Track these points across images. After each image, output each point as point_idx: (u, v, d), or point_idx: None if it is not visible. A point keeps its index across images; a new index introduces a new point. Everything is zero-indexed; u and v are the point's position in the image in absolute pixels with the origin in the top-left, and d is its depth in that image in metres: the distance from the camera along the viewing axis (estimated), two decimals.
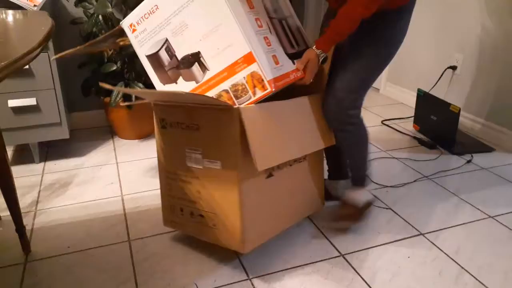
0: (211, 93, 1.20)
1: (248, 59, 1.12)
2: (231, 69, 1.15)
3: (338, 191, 1.64)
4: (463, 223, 1.58)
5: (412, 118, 2.54)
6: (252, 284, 1.26)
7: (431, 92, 2.46)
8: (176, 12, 1.15)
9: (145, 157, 2.11)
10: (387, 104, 2.96)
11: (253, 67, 1.13)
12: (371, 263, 1.36)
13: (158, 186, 1.42)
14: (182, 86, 1.22)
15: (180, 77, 1.21)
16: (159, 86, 1.26)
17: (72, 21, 2.17)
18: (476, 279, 1.30)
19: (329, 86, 1.36)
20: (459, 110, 2.14)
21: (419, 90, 2.46)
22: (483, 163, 2.08)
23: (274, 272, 1.31)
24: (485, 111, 2.37)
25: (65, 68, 2.29)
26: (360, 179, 1.53)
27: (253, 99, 1.16)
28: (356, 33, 1.25)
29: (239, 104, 1.18)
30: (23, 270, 1.32)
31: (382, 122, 2.62)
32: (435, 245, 1.46)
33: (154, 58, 1.22)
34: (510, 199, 1.75)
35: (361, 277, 1.30)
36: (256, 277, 1.29)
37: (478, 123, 2.41)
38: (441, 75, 2.59)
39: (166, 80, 1.24)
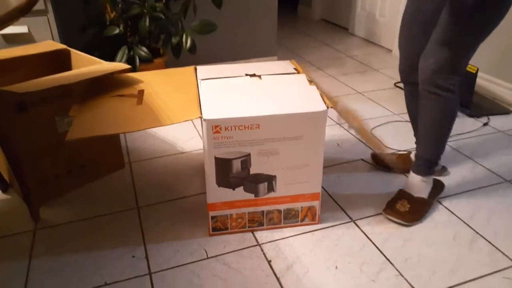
0: (266, 208, 1.28)
1: (314, 197, 1.29)
2: (295, 198, 1.28)
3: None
4: (479, 187, 1.54)
5: None
6: (262, 250, 1.25)
7: None
8: (276, 139, 1.17)
9: None
10: None
11: (315, 204, 1.31)
12: (383, 229, 1.34)
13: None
14: (238, 194, 1.24)
15: (240, 187, 1.23)
16: (212, 185, 1.21)
17: None
18: (492, 244, 1.27)
19: (431, 41, 1.20)
20: (477, 70, 2.04)
21: None
22: (500, 125, 2.01)
23: (284, 238, 1.30)
24: (502, 71, 2.27)
25: (66, 32, 2.22)
26: (428, 164, 1.35)
27: (298, 223, 1.34)
28: None
29: (284, 224, 1.33)
30: (33, 237, 1.32)
31: (395, 84, 2.53)
32: (449, 210, 1.42)
33: (224, 163, 1.18)
34: None
35: (373, 243, 1.28)
36: (266, 242, 1.28)
37: (494, 83, 2.32)
38: None
39: (223, 184, 1.21)
